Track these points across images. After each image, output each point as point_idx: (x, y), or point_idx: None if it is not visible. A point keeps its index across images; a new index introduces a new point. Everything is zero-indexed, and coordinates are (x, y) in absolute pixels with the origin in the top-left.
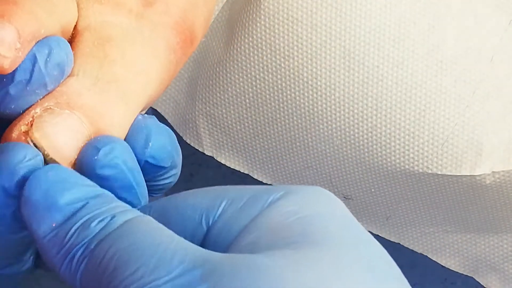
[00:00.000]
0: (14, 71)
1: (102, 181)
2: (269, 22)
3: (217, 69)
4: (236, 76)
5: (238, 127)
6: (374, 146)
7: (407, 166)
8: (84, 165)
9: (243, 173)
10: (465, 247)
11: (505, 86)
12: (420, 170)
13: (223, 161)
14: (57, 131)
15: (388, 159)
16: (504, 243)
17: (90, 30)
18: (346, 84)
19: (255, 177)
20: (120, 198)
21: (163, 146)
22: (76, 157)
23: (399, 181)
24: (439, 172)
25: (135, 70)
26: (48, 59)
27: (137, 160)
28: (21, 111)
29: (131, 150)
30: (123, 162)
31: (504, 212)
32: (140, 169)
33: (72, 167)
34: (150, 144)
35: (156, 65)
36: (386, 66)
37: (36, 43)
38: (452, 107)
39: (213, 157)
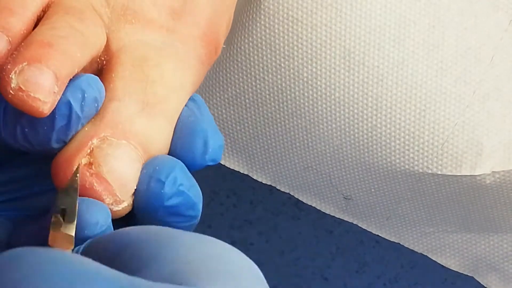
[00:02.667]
0: (54, 120)
1: (169, 209)
2: (269, 22)
3: (217, 69)
4: (236, 76)
5: (238, 128)
6: (374, 146)
7: (407, 166)
8: (150, 199)
9: (243, 173)
10: (465, 247)
11: (505, 86)
12: (420, 170)
13: (223, 162)
14: (121, 165)
15: (388, 159)
16: (504, 243)
17: (125, 52)
18: (346, 84)
19: (255, 177)
20: (184, 216)
21: (219, 146)
22: (135, 187)
23: (399, 181)
24: (439, 172)
25: (173, 86)
26: (83, 103)
27: (197, 166)
28: (60, 148)
29: (184, 166)
30: (186, 187)
31: (504, 212)
32: (195, 182)
33: (132, 199)
34: (209, 150)
35: (190, 78)
36: (386, 66)
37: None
38: (452, 107)
39: None
